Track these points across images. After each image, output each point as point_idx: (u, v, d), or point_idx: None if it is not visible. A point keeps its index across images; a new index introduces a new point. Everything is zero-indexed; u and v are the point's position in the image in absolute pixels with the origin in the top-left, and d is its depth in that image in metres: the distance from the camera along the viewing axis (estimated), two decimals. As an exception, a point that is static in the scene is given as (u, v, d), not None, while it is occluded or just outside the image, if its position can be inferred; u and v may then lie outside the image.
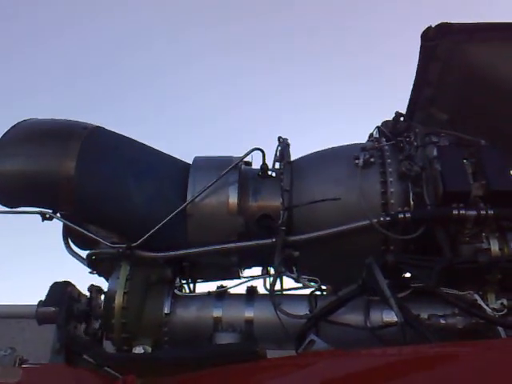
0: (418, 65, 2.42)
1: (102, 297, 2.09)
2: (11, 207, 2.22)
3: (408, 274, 2.02)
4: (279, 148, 2.24)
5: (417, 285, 1.92)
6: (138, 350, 1.95)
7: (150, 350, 1.96)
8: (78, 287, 2.12)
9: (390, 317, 1.85)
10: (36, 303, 2.05)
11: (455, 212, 1.91)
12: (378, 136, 2.26)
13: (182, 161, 2.30)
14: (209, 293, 2.09)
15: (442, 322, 1.88)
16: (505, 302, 1.86)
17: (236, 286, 2.12)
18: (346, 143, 2.26)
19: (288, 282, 2.10)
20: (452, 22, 2.29)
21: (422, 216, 1.96)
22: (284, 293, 2.08)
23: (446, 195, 1.94)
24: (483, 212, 1.90)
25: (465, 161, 2.03)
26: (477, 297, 1.86)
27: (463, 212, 1.90)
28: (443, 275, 1.85)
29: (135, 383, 1.64)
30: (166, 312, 2.02)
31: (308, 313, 1.94)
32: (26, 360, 1.90)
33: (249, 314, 2.02)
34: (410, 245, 2.00)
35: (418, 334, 1.69)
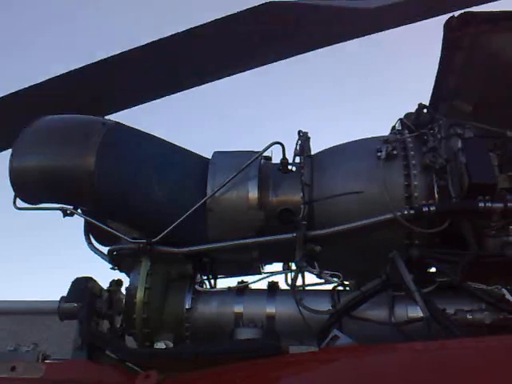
0: (441, 55, 2.36)
1: (124, 292, 2.09)
2: (33, 204, 2.24)
3: (433, 269, 1.98)
4: (299, 142, 2.22)
5: (442, 279, 1.88)
6: (160, 345, 1.94)
7: (171, 345, 1.95)
8: (99, 283, 2.13)
9: (415, 312, 1.82)
10: (58, 299, 2.06)
11: (481, 205, 1.86)
12: (400, 128, 2.22)
13: (201, 156, 2.29)
14: (229, 288, 2.08)
15: (469, 317, 1.84)
16: (534, 296, 1.82)
17: (257, 282, 2.10)
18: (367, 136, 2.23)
19: (310, 278, 2.08)
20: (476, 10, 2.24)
21: (447, 209, 1.92)
22: (306, 288, 2.06)
23: (472, 188, 1.89)
24: (510, 204, 1.86)
25: (490, 153, 1.99)
26: (505, 291, 1.82)
27: (489, 205, 1.86)
28: (469, 269, 1.81)
29: (157, 378, 1.64)
30: (186, 307, 2.02)
31: (331, 308, 1.92)
32: (49, 356, 1.92)
33: (270, 309, 2.00)
34: (435, 239, 1.96)
35: (444, 330, 1.66)
